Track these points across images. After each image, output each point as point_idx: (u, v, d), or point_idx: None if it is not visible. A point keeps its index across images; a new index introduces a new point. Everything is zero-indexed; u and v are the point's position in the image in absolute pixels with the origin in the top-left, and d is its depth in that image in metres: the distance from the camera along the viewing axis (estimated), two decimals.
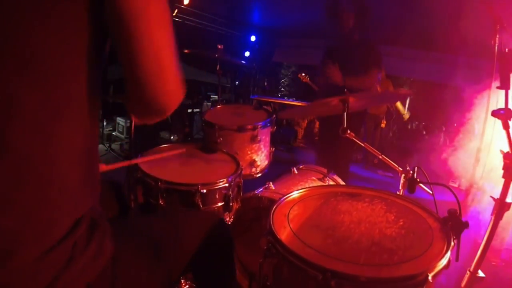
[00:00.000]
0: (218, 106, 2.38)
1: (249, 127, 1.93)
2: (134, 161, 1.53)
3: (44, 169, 0.60)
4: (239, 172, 1.59)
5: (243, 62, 4.63)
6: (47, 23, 0.57)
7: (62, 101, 0.61)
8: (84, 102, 0.64)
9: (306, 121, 7.04)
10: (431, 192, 1.34)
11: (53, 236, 0.62)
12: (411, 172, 1.36)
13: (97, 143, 0.72)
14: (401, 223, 1.12)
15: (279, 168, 2.20)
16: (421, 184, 1.35)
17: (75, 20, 0.59)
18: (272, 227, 1.03)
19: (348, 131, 1.55)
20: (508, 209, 1.55)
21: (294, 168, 2.11)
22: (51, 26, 0.57)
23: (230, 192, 1.52)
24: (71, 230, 0.65)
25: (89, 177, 0.70)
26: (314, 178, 2.04)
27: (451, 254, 0.96)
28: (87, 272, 0.66)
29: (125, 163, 1.51)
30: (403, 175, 1.44)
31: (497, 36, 1.97)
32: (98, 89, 0.68)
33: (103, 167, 1.23)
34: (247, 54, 7.95)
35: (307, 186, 1.71)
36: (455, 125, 6.50)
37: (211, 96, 7.12)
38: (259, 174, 2.04)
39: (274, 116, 2.11)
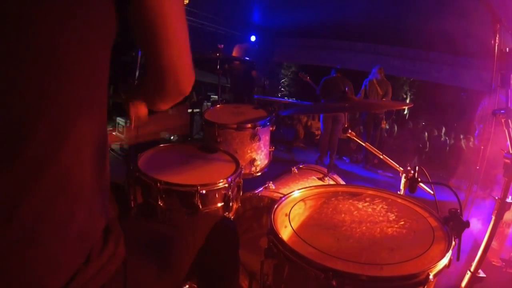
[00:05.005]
0: (218, 106, 2.37)
1: (249, 125, 1.93)
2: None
3: (64, 162, 0.61)
4: (239, 172, 1.59)
5: (247, 58, 4.65)
6: (73, 23, 0.59)
7: (85, 96, 0.64)
8: (101, 99, 0.68)
9: (306, 119, 7.04)
10: (432, 192, 1.34)
11: (70, 232, 0.63)
12: (412, 171, 1.36)
13: (108, 142, 0.73)
14: (402, 222, 1.12)
15: (279, 168, 2.20)
16: (422, 184, 1.35)
17: (99, 21, 0.63)
18: (273, 226, 1.02)
19: (350, 131, 1.54)
20: (508, 208, 1.55)
21: (294, 168, 2.10)
22: (76, 26, 0.60)
23: (230, 192, 1.51)
24: (88, 230, 0.66)
25: (103, 177, 0.71)
26: (314, 177, 2.04)
27: (452, 253, 0.96)
28: (101, 275, 0.68)
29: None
30: (404, 174, 1.44)
31: (497, 36, 1.97)
32: (107, 88, 0.71)
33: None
34: None
35: (307, 185, 1.71)
36: (455, 125, 6.53)
37: (211, 96, 7.11)
38: (259, 173, 2.04)
39: (274, 115, 2.11)
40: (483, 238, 1.61)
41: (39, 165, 0.58)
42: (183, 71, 0.76)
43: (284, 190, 1.80)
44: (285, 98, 9.21)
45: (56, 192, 0.60)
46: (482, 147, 2.43)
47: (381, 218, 1.15)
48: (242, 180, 1.63)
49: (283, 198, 1.25)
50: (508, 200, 1.55)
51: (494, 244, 2.08)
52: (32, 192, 0.58)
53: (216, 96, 6.38)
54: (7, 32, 0.54)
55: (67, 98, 0.60)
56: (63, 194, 0.61)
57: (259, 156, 2.01)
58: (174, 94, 0.80)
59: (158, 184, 1.41)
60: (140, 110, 1.06)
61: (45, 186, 0.59)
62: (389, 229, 1.08)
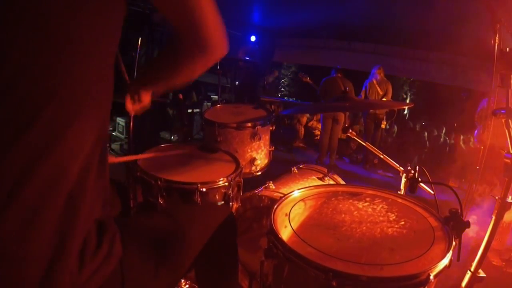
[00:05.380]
0: (218, 105, 2.37)
1: (249, 125, 1.93)
2: (142, 156, 1.52)
3: (62, 154, 0.61)
4: (239, 171, 1.59)
5: (247, 58, 4.65)
6: (86, 17, 0.61)
7: (91, 90, 0.64)
8: (107, 94, 0.69)
9: (306, 119, 7.04)
10: (432, 192, 1.34)
11: (64, 226, 0.62)
12: (413, 171, 1.36)
13: (109, 140, 0.73)
14: (402, 222, 1.12)
15: (279, 168, 2.20)
16: (422, 184, 1.35)
17: (111, 15, 0.64)
18: (273, 227, 1.02)
19: (350, 131, 1.54)
20: (508, 208, 1.55)
21: (294, 168, 2.10)
22: (89, 20, 0.61)
23: (230, 191, 1.51)
24: (83, 227, 0.65)
25: (102, 175, 0.71)
26: (314, 177, 2.04)
27: (452, 253, 0.96)
28: (97, 277, 0.66)
29: (134, 157, 1.49)
30: (404, 174, 1.43)
31: (497, 36, 1.97)
32: (112, 84, 0.71)
33: (113, 159, 1.22)
34: None
35: (307, 185, 1.71)
36: (455, 125, 6.52)
37: (211, 96, 7.12)
38: (259, 173, 2.04)
39: (274, 114, 2.11)
40: (483, 238, 1.61)
41: (36, 154, 0.58)
42: (214, 24, 0.77)
43: (284, 190, 1.80)
44: (285, 98, 9.21)
45: (51, 185, 0.60)
46: (482, 147, 2.43)
47: (381, 218, 1.14)
48: (242, 180, 1.63)
49: (283, 198, 1.25)
50: (508, 200, 1.55)
51: (494, 244, 2.08)
52: (27, 183, 0.57)
53: (216, 96, 6.38)
54: (25, 25, 0.56)
55: (74, 89, 0.61)
56: (58, 187, 0.61)
57: (259, 155, 2.01)
58: (212, 51, 0.80)
59: (159, 182, 1.41)
60: (145, 99, 1.09)
61: (41, 175, 0.59)
62: (389, 229, 1.07)
